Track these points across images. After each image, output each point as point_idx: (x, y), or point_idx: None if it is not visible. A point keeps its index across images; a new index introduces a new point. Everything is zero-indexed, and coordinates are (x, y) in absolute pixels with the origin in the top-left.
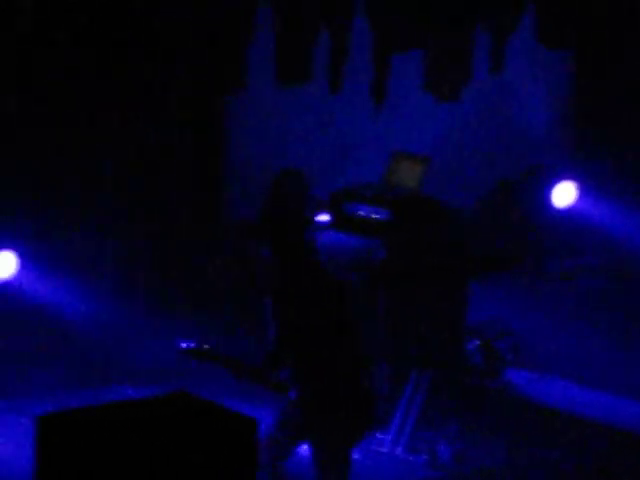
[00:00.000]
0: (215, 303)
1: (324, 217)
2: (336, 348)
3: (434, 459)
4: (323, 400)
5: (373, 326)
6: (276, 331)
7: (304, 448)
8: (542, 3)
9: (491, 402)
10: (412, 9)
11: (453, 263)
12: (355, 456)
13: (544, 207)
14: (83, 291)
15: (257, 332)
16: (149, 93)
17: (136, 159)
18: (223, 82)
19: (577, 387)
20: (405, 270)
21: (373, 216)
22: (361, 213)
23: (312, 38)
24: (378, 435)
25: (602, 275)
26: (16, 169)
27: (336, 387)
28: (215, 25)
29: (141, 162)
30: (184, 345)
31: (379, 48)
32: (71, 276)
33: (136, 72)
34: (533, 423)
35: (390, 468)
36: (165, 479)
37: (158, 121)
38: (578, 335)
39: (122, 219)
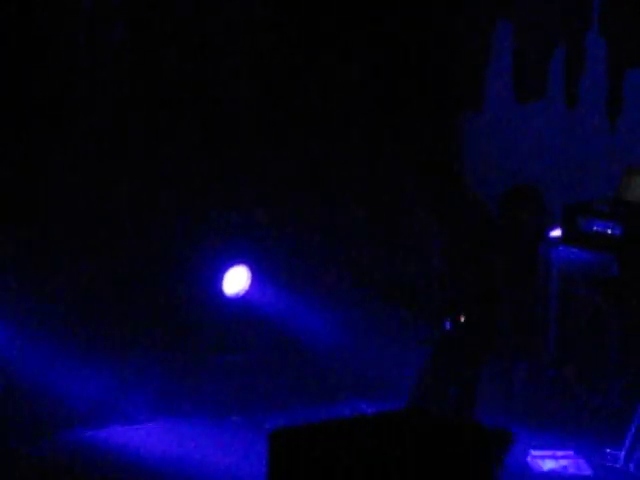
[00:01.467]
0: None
1: (556, 232)
2: None
3: None
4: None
5: (605, 342)
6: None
7: None
8: None
9: None
10: None
11: None
12: (587, 472)
13: None
14: (316, 304)
15: None
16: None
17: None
18: (462, 99)
19: None
20: (639, 286)
21: (607, 231)
22: (595, 228)
23: (549, 53)
24: (611, 451)
25: None
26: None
27: None
28: (455, 43)
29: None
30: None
31: (614, 62)
32: (304, 289)
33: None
34: None
35: None
36: None
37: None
38: None
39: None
